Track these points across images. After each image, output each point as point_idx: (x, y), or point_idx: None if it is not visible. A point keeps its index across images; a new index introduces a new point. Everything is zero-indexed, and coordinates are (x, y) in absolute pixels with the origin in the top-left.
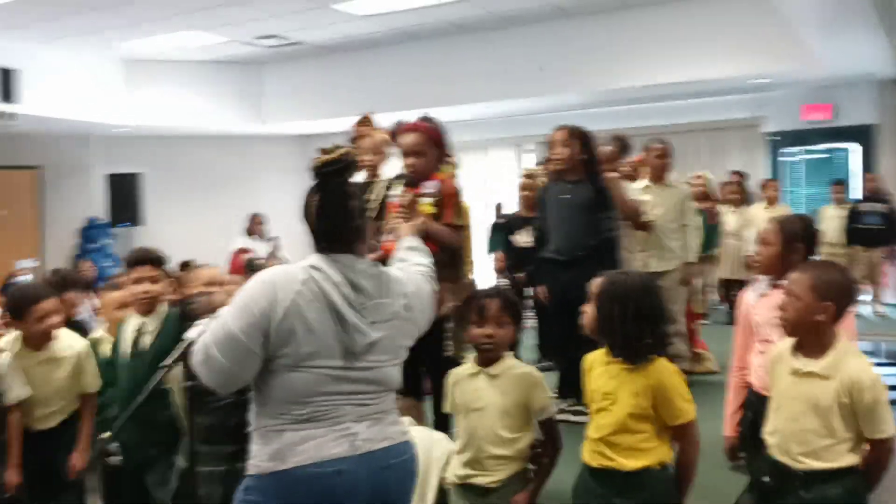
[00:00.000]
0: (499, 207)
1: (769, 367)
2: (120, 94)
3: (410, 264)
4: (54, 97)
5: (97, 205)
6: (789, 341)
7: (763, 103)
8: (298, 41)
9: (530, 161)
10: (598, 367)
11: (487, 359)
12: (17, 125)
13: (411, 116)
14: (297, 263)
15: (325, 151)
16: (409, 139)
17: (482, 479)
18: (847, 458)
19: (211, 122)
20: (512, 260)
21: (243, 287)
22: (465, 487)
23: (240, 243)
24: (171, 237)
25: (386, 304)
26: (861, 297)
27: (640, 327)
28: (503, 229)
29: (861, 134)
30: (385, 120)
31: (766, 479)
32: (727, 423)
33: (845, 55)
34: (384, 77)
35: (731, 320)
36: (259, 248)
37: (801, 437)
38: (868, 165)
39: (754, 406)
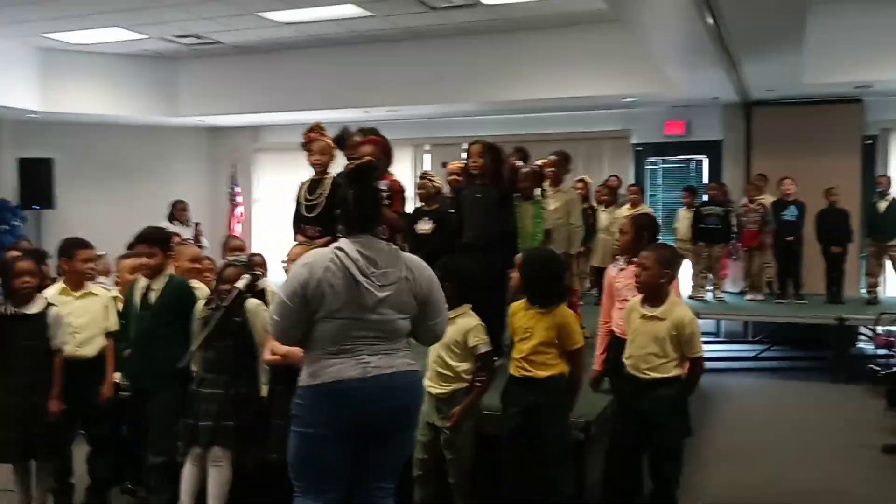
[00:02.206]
0: None
1: (626, 315)
2: (34, 81)
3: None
4: None
5: (8, 188)
6: (639, 297)
7: (630, 118)
8: (216, 41)
9: (427, 160)
10: (519, 311)
11: None
12: None
13: (320, 117)
14: (329, 246)
15: (354, 159)
16: (368, 149)
17: (434, 390)
18: (674, 371)
19: (124, 112)
20: (413, 244)
21: (293, 266)
22: (429, 396)
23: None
24: (83, 221)
25: (392, 272)
26: (706, 286)
27: (551, 284)
28: (408, 220)
29: (710, 147)
30: (297, 118)
31: (626, 388)
32: (596, 360)
33: (695, 83)
34: (294, 78)
35: (599, 302)
36: (183, 233)
37: (646, 358)
38: (716, 174)
39: (615, 347)
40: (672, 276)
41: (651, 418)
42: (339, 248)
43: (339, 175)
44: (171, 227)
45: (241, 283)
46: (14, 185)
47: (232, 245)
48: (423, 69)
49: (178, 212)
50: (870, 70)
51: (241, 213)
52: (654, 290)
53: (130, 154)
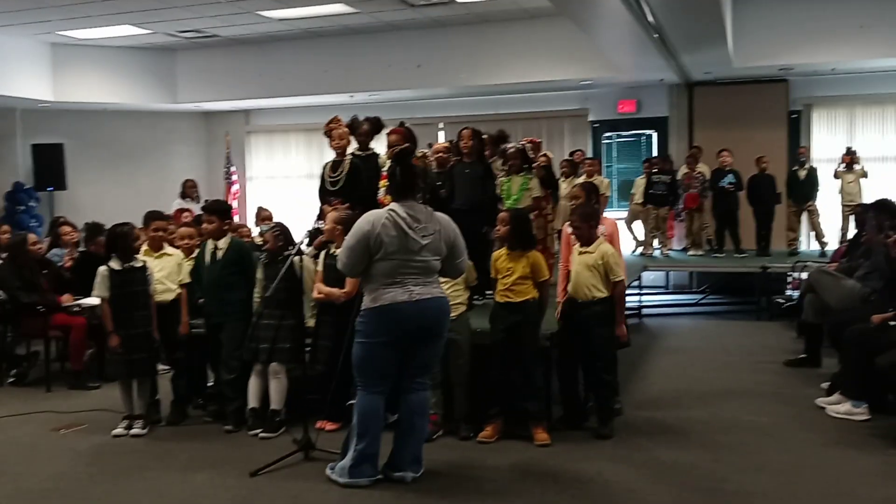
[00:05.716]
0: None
1: (571, 257)
2: (46, 73)
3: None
4: None
5: (24, 171)
6: (578, 244)
7: (587, 98)
8: (214, 35)
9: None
10: (501, 257)
11: None
12: None
13: (307, 102)
14: (384, 208)
15: (395, 145)
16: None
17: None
18: (603, 293)
19: (127, 99)
20: None
21: (357, 222)
22: None
23: (177, 205)
24: (92, 200)
25: (429, 226)
26: (654, 244)
27: (527, 234)
28: None
29: (657, 123)
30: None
31: (568, 308)
32: (559, 294)
33: (642, 68)
34: (283, 66)
35: None
36: (193, 209)
37: (583, 283)
38: (664, 147)
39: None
40: (597, 223)
41: (583, 328)
42: (392, 210)
43: (353, 155)
44: (183, 204)
45: (304, 246)
46: (28, 168)
47: (262, 215)
48: (402, 58)
49: (188, 189)
50: (791, 54)
51: (237, 191)
52: (588, 238)
53: (133, 138)
